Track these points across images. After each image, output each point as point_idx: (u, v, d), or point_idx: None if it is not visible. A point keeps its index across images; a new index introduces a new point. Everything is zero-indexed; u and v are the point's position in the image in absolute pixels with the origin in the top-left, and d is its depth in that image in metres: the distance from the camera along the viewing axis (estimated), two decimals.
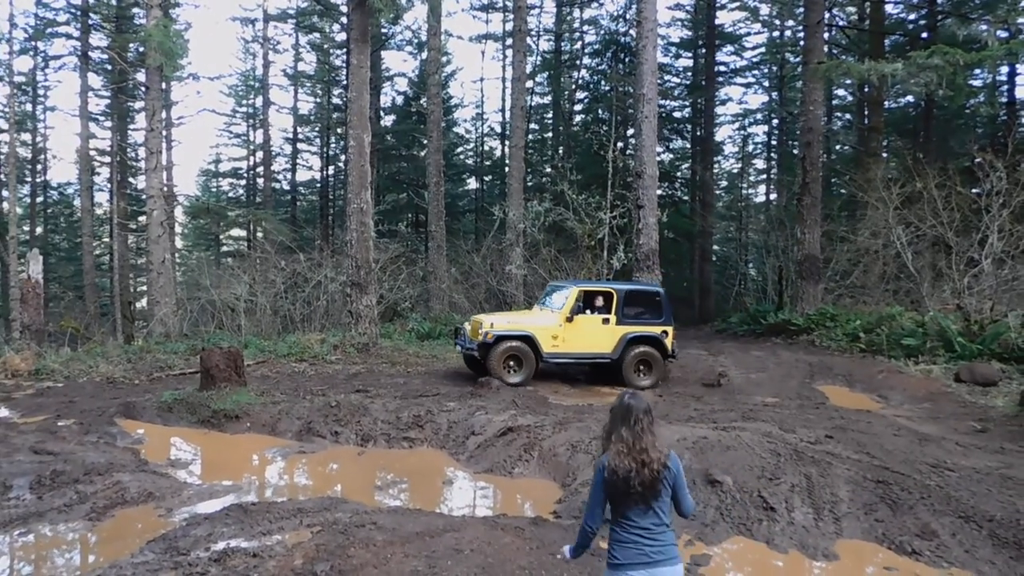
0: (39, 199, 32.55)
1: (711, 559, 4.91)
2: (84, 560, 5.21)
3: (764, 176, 34.00)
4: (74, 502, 6.09)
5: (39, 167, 32.26)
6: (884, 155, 22.14)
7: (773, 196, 31.18)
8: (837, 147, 27.41)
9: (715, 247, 31.06)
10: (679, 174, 31.11)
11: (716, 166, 31.02)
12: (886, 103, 22.58)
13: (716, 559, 4.93)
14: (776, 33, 30.10)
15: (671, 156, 30.85)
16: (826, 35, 20.06)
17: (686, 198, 30.05)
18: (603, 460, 2.99)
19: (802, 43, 20.40)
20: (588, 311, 11.46)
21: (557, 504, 6.01)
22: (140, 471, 7.05)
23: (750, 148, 33.86)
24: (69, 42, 28.05)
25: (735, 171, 34.79)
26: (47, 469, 6.73)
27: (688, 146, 31.02)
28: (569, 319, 11.25)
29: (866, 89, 20.59)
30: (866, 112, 23.05)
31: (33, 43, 28.65)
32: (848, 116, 28.52)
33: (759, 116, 31.91)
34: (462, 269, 20.78)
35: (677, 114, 30.75)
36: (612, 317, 11.45)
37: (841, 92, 26.99)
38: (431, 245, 21.69)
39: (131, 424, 9.15)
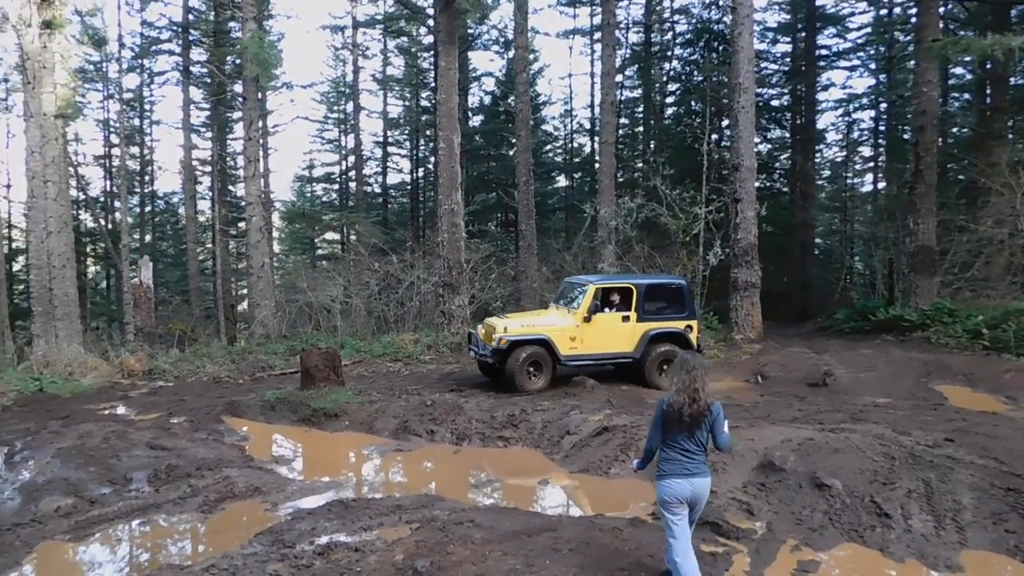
0: (147, 208, 34.15)
1: (819, 565, 4.67)
2: (196, 550, 5.49)
3: (871, 164, 32.09)
4: (187, 495, 6.46)
5: (147, 178, 33.86)
6: (1009, 136, 20.43)
7: (881, 185, 29.41)
8: (954, 130, 25.48)
9: (817, 240, 29.63)
10: (778, 165, 29.89)
11: (818, 155, 29.54)
12: (1012, 80, 20.79)
13: (825, 566, 4.68)
14: (884, 11, 28.31)
15: (769, 147, 29.63)
16: (941, 9, 18.68)
17: (786, 190, 28.81)
18: (665, 397, 3.98)
19: (914, 20, 19.14)
20: (607, 308, 10.92)
21: (655, 505, 5.86)
22: (246, 467, 7.41)
23: (855, 135, 31.99)
24: (172, 58, 29.65)
25: (839, 160, 33.03)
26: (162, 464, 7.18)
27: (787, 135, 29.73)
28: (587, 318, 10.64)
29: (988, 66, 19.03)
30: (988, 91, 21.34)
31: (139, 61, 30.08)
32: (967, 96, 26.41)
33: (865, 101, 30.05)
34: (553, 268, 20.71)
35: (775, 102, 29.46)
36: (632, 314, 10.88)
37: (958, 70, 24.97)
38: (521, 244, 21.76)
39: (237, 422, 9.65)
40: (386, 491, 6.73)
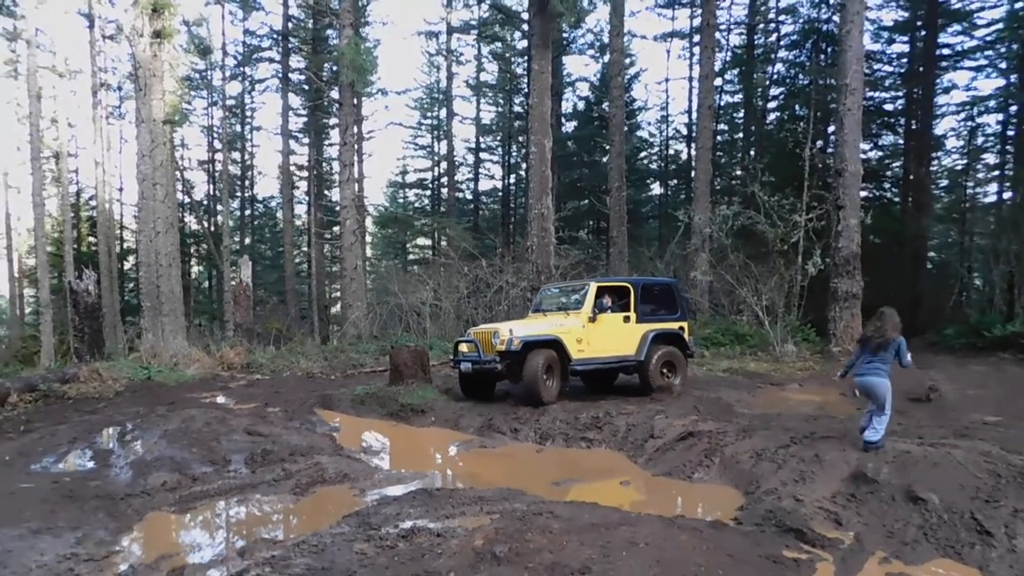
0: (247, 212, 35.70)
1: None
2: (287, 527, 5.82)
3: (997, 172, 29.72)
4: (281, 478, 6.87)
5: (247, 182, 35.43)
6: None
7: (1007, 195, 27.25)
8: None
9: (931, 253, 27.78)
10: (888, 172, 28.26)
11: (935, 163, 27.68)
12: None
13: None
14: (1019, 4, 25.96)
15: (879, 153, 28.07)
16: None
17: (896, 199, 27.21)
18: (863, 331, 6.54)
19: None
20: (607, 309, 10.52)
21: (739, 511, 5.71)
22: (336, 455, 7.78)
23: (979, 141, 29.71)
24: (272, 65, 30.85)
25: (958, 168, 30.80)
26: (258, 448, 7.66)
27: (900, 141, 28.03)
28: (592, 319, 10.12)
29: None
30: None
31: (242, 69, 31.52)
32: None
33: (992, 104, 27.84)
34: (644, 275, 20.48)
35: (888, 106, 27.88)
36: (632, 314, 10.51)
37: None
38: (612, 251, 21.59)
39: (328, 414, 10.15)
40: (468, 483, 6.87)
